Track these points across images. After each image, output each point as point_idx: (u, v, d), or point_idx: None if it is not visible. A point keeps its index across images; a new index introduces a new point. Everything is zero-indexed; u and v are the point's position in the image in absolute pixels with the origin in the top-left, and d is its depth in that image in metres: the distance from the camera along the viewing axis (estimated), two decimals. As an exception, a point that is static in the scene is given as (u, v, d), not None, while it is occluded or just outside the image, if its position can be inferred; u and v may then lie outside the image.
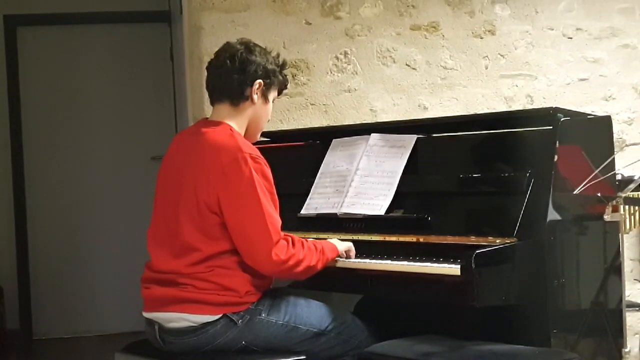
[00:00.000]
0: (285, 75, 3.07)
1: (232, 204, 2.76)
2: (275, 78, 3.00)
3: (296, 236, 2.88)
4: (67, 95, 6.55)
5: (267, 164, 2.85)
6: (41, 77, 6.53)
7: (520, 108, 4.51)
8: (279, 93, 3.08)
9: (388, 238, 3.11)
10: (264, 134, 3.65)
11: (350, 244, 3.05)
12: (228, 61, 2.93)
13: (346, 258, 3.02)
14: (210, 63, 3.01)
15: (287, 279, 2.96)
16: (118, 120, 6.58)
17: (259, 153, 2.84)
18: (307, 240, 2.88)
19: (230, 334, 2.80)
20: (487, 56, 4.58)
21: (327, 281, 2.92)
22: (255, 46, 2.98)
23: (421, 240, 3.01)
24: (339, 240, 3.04)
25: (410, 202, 3.20)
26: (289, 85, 3.23)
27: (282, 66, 3.05)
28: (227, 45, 3.00)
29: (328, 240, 3.02)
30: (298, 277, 2.88)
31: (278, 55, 3.06)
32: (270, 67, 2.97)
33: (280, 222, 2.82)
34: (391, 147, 3.34)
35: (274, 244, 2.75)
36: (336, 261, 2.98)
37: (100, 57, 6.58)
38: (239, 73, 2.91)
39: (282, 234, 2.80)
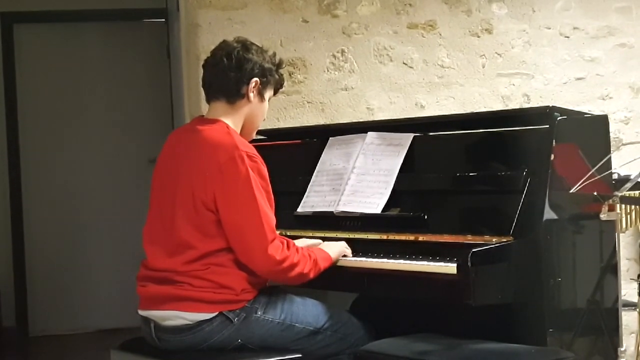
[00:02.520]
0: (282, 75, 3.07)
1: (228, 202, 2.76)
2: (272, 77, 3.00)
3: (292, 241, 2.88)
4: (64, 93, 6.54)
5: (264, 163, 2.84)
6: (38, 74, 6.52)
7: (517, 107, 4.51)
8: (275, 92, 3.08)
9: (384, 236, 3.11)
10: (260, 132, 3.65)
11: (345, 248, 3.05)
12: (225, 59, 2.92)
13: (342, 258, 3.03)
14: (206, 61, 3.01)
15: (279, 282, 2.96)
16: (115, 117, 6.59)
17: (255, 151, 2.84)
18: (302, 248, 2.89)
19: (226, 332, 2.80)
20: (484, 55, 4.58)
21: (323, 279, 2.92)
22: (251, 44, 2.98)
23: (418, 238, 3.01)
24: (333, 245, 3.04)
25: (407, 200, 3.20)
26: (285, 83, 3.23)
27: (279, 65, 3.05)
28: (224, 43, 3.00)
29: (322, 246, 3.02)
30: (290, 283, 2.87)
31: (274, 54, 3.06)
32: (267, 65, 2.97)
33: (275, 221, 2.82)
34: (388, 146, 3.34)
35: (269, 242, 2.74)
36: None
37: (97, 54, 6.57)
38: (235, 71, 2.91)
39: (278, 235, 2.80)
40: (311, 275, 2.86)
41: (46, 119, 6.52)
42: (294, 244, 2.86)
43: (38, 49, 6.53)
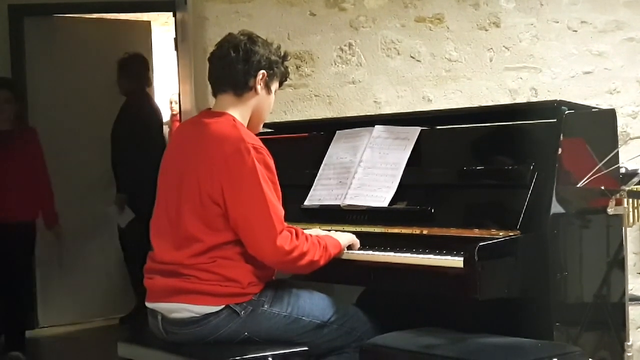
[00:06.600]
0: (287, 67, 3.08)
1: (235, 195, 2.76)
2: (278, 69, 3.01)
3: (300, 229, 2.88)
4: (74, 85, 6.53)
5: (270, 155, 2.84)
6: (48, 67, 6.51)
7: (525, 101, 4.50)
8: (280, 84, 3.08)
9: (391, 230, 3.11)
10: (267, 125, 3.66)
11: (353, 237, 3.05)
12: (232, 51, 2.92)
13: (349, 250, 3.03)
14: (212, 54, 3.00)
15: (290, 272, 2.96)
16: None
17: (261, 144, 2.84)
18: (310, 235, 2.89)
19: (233, 325, 2.81)
20: (491, 48, 4.57)
21: (329, 273, 2.92)
22: (257, 37, 2.99)
23: (424, 232, 3.01)
24: (342, 234, 3.04)
25: (414, 194, 3.20)
26: (293, 77, 3.24)
27: (284, 57, 3.06)
28: (230, 36, 3.01)
29: (331, 234, 3.02)
30: (301, 272, 2.87)
31: (279, 46, 3.06)
32: (273, 58, 2.98)
33: (284, 212, 2.82)
34: (395, 139, 3.34)
35: (278, 233, 2.75)
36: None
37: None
38: (242, 63, 2.91)
39: (286, 225, 2.81)
40: (321, 262, 2.86)
41: (56, 114, 6.51)
42: (302, 232, 2.86)
43: (48, 41, 6.52)
